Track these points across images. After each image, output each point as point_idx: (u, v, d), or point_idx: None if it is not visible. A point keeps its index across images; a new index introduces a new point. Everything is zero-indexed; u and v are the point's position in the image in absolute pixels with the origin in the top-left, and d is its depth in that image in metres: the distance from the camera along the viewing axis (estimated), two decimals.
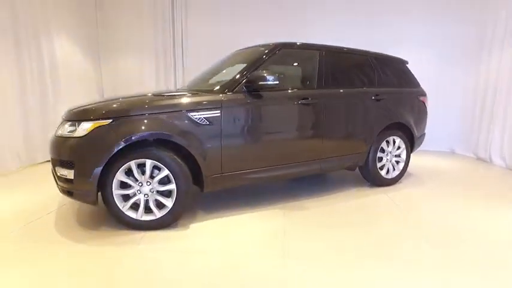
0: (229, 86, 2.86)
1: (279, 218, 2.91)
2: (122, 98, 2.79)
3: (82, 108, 2.59)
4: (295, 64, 3.48)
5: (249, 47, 3.59)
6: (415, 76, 4.19)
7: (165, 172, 2.56)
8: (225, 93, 2.81)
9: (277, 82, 2.81)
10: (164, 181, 2.60)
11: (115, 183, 2.51)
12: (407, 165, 4.03)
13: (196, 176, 2.75)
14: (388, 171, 3.86)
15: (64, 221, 2.78)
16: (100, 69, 6.33)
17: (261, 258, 2.24)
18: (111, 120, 2.44)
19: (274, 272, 2.08)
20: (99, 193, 2.52)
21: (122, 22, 6.22)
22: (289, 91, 3.13)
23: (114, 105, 2.54)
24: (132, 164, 2.51)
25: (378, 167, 3.75)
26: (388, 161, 3.85)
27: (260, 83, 2.81)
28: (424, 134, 4.31)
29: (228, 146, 2.80)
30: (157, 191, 2.60)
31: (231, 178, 2.89)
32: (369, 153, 3.65)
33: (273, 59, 3.13)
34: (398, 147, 3.91)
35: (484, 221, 2.96)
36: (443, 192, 3.74)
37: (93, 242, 2.44)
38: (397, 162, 3.94)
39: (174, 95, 2.80)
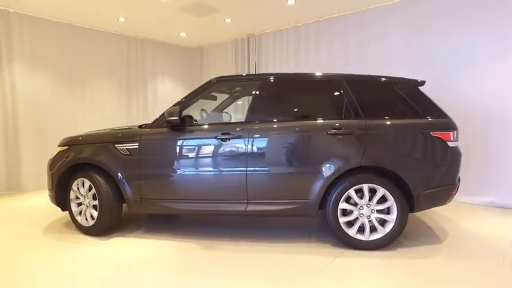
0: (153, 121, 3.22)
1: (175, 252, 2.93)
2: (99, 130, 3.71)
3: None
4: (230, 97, 3.34)
5: None
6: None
7: (93, 191, 3.23)
8: (146, 128, 3.20)
9: (177, 118, 2.94)
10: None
11: (71, 194, 3.40)
12: (402, 226, 2.85)
13: None
14: (363, 231, 2.90)
15: (60, 219, 3.85)
16: None
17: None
18: (67, 147, 3.37)
19: None
20: None
21: (215, 62, 7.51)
22: (211, 126, 3.10)
23: (72, 137, 3.47)
24: (79, 181, 3.33)
25: (342, 222, 2.90)
26: (364, 216, 2.89)
27: (168, 118, 3.01)
28: (451, 185, 2.88)
29: (144, 175, 3.14)
30: (92, 205, 3.29)
31: (150, 204, 3.19)
32: (322, 202, 2.92)
33: (206, 94, 3.21)
34: (384, 200, 2.86)
35: None
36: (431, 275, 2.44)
37: (54, 234, 3.40)
38: (383, 221, 2.89)
39: (114, 129, 3.46)
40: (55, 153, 3.46)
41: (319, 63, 5.74)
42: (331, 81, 3.06)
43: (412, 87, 3.01)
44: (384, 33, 4.99)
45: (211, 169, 3.06)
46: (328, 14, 5.54)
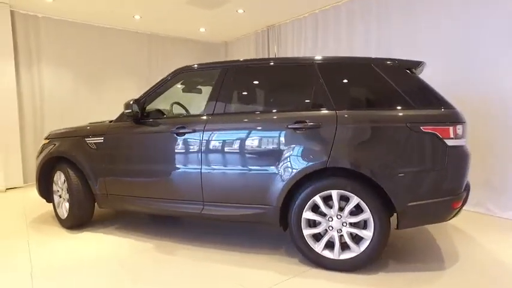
0: (119, 115, 3.10)
1: (131, 253, 2.76)
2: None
3: None
4: (193, 89, 3.03)
5: None
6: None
7: (66, 184, 3.24)
8: (112, 122, 3.09)
9: (130, 110, 2.76)
10: None
11: (54, 187, 3.48)
12: (381, 245, 2.26)
13: None
14: (332, 247, 2.37)
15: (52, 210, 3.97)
16: None
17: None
18: (48, 141, 3.45)
19: None
20: None
21: (238, 56, 7.30)
22: (170, 119, 2.86)
23: (53, 131, 3.53)
24: (58, 174, 3.38)
25: (307, 234, 2.41)
26: (333, 229, 2.37)
27: (124, 111, 2.85)
28: (452, 196, 2.17)
29: (109, 170, 3.05)
30: (67, 199, 3.31)
31: (115, 200, 3.08)
32: (284, 210, 2.46)
33: (171, 86, 3.00)
34: (359, 211, 2.30)
35: None
36: None
37: (37, 224, 3.51)
38: (358, 237, 2.32)
39: (89, 124, 3.41)
40: (41, 145, 3.58)
41: (337, 50, 5.17)
42: (299, 66, 2.57)
43: (401, 70, 2.36)
44: (410, 13, 4.21)
45: (167, 166, 2.81)
46: None
